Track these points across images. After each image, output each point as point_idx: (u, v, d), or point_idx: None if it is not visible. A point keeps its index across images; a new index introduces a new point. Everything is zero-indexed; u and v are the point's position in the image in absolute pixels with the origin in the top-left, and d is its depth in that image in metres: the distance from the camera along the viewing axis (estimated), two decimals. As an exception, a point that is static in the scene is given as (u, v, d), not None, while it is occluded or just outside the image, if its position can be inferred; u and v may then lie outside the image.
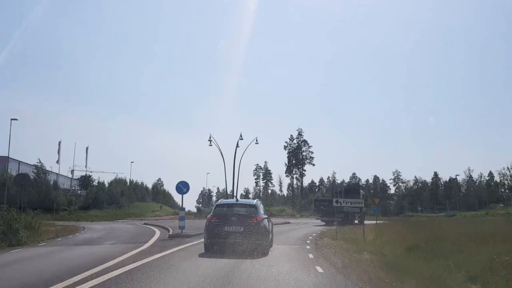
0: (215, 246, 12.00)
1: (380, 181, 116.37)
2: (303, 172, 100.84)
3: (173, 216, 48.22)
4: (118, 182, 74.25)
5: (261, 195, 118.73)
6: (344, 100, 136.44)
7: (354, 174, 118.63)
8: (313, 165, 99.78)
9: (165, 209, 67.02)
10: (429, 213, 63.55)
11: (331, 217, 34.95)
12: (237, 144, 60.13)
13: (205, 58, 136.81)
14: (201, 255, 11.49)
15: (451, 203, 53.64)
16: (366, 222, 37.65)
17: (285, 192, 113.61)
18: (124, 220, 43.44)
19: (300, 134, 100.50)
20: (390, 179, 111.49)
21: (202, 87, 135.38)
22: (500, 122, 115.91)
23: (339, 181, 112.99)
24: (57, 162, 70.89)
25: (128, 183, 76.98)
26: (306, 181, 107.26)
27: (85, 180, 69.74)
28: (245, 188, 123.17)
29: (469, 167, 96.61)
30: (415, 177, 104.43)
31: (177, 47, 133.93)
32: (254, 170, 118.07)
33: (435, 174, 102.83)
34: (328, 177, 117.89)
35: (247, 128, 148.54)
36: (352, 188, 53.03)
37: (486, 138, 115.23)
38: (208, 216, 12.99)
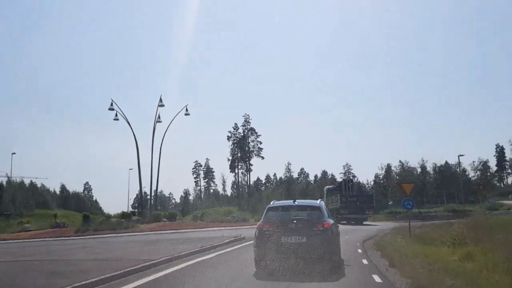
0: (268, 263, 8.73)
1: (330, 176, 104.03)
2: (250, 166, 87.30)
3: (40, 232, 30.75)
4: (11, 186, 56.98)
5: (202, 195, 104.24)
6: (292, 91, 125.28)
7: (302, 169, 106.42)
8: (262, 158, 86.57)
9: (71, 218, 50.24)
10: (433, 205, 51.51)
11: (360, 214, 31.40)
12: (158, 117, 39.10)
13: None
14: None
15: (481, 192, 41.92)
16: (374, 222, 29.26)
17: (229, 191, 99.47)
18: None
19: (247, 121, 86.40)
20: (341, 173, 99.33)
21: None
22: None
23: (282, 177, 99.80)
24: None
25: (27, 187, 60.09)
26: (252, 178, 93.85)
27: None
28: (184, 189, 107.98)
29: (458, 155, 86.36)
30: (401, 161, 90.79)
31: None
32: (193, 169, 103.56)
33: (422, 160, 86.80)
34: (274, 174, 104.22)
35: (188, 122, 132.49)
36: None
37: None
38: (258, 223, 9.66)
